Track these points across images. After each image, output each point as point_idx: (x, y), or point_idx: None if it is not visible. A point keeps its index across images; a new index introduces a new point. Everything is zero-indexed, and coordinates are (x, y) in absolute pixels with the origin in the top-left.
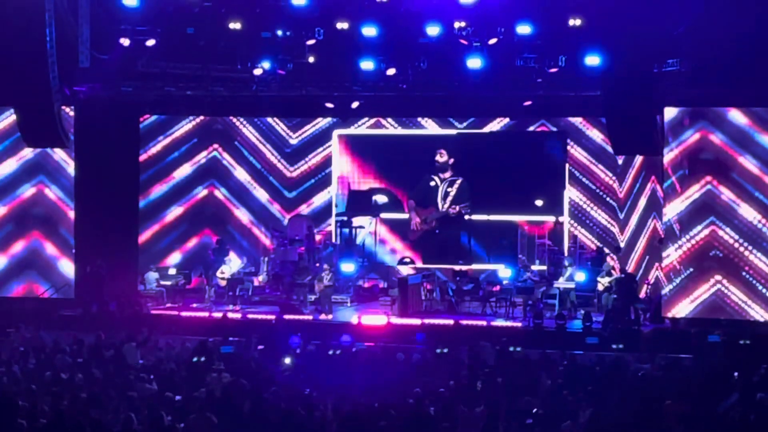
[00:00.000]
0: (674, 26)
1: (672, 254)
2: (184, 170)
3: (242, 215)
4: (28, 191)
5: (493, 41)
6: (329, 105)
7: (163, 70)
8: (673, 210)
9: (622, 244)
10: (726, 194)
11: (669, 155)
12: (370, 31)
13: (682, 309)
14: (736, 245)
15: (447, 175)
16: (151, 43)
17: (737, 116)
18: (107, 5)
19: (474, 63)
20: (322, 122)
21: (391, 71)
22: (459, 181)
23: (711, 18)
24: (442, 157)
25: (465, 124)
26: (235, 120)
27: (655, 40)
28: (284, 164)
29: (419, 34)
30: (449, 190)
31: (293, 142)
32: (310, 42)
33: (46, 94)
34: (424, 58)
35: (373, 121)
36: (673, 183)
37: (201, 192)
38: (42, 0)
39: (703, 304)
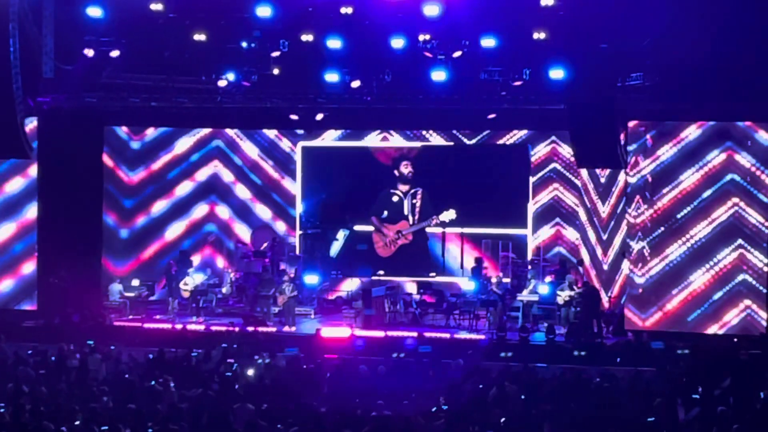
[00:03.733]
0: (638, 40)
1: (699, 278)
2: (185, 187)
3: (245, 232)
4: None
5: (457, 54)
6: (294, 117)
7: (127, 81)
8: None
9: (605, 266)
10: (754, 216)
11: (692, 177)
12: (334, 43)
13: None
14: (766, 268)
15: (407, 188)
16: (115, 54)
17: (765, 136)
18: (72, 16)
19: (438, 76)
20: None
21: (355, 83)
22: (420, 192)
23: (674, 32)
24: (406, 168)
25: (478, 138)
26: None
27: (618, 54)
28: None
29: (384, 46)
30: (414, 202)
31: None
32: (275, 54)
33: (9, 104)
34: (388, 71)
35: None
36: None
37: (202, 208)
38: (6, 10)
39: (733, 329)
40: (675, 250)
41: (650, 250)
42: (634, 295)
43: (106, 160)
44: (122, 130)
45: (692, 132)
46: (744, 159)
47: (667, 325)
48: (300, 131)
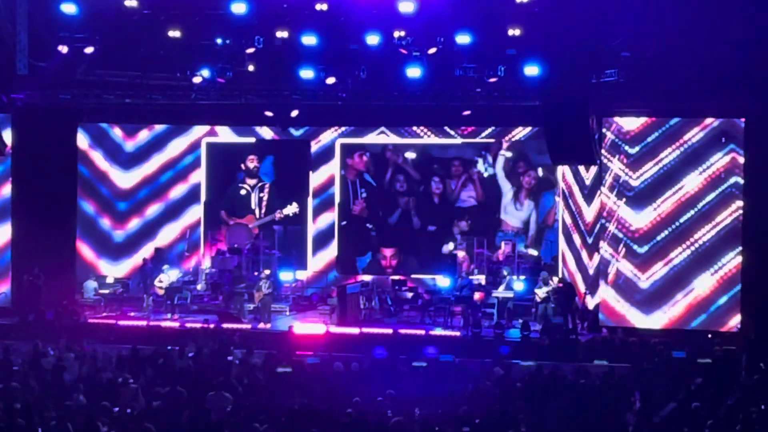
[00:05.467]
0: (612, 37)
1: (706, 281)
2: (178, 190)
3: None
4: None
5: (432, 51)
6: (269, 113)
7: (101, 77)
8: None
9: (590, 270)
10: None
11: (696, 179)
12: (309, 39)
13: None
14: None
15: (254, 181)
16: (89, 50)
17: None
18: (46, 12)
19: (413, 72)
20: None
21: (330, 80)
22: (268, 186)
23: (649, 29)
24: (252, 162)
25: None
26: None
27: (593, 50)
28: None
29: (359, 43)
30: (261, 195)
31: None
32: (250, 50)
33: None
34: (363, 67)
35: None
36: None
37: (196, 211)
38: None
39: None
40: (679, 254)
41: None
42: (638, 300)
43: (100, 162)
44: (115, 132)
45: (695, 134)
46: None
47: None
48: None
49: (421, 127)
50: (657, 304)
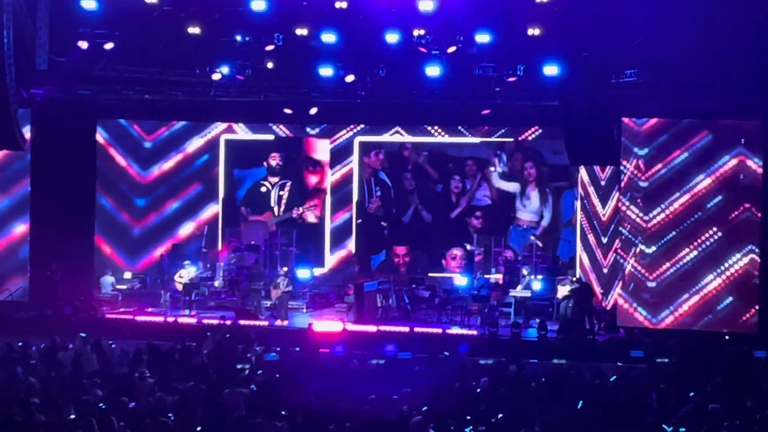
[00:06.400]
0: (632, 37)
1: (712, 282)
2: (196, 187)
3: None
4: None
5: (452, 49)
6: (287, 111)
7: (121, 73)
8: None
9: (605, 270)
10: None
11: (704, 182)
12: (329, 37)
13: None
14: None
15: (276, 179)
16: (109, 46)
17: None
18: (66, 8)
19: (433, 71)
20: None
21: (349, 78)
22: (289, 184)
23: (669, 29)
24: (274, 160)
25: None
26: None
27: (613, 50)
28: None
29: (378, 41)
30: (281, 193)
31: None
32: (269, 48)
33: (2, 96)
34: (382, 66)
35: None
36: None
37: (214, 209)
38: (0, 2)
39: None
40: (687, 254)
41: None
42: (646, 299)
43: (119, 159)
44: (134, 129)
45: (703, 136)
46: (756, 164)
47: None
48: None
49: (434, 126)
50: (664, 304)
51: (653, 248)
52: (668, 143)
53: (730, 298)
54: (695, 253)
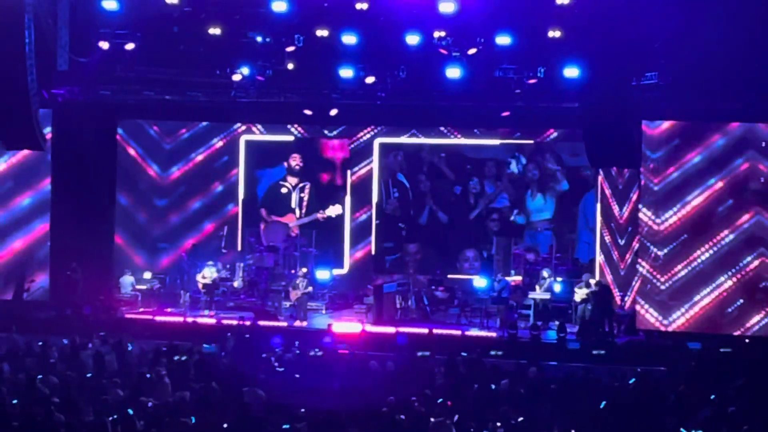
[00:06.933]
0: (653, 39)
1: (725, 283)
2: (216, 187)
3: None
4: None
5: (472, 51)
6: (308, 112)
7: (141, 74)
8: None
9: (622, 271)
10: None
11: (715, 185)
12: (349, 38)
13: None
14: None
15: (296, 180)
16: (130, 47)
17: None
18: (87, 8)
19: (453, 73)
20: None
21: (370, 79)
22: (309, 186)
23: (689, 31)
24: (294, 161)
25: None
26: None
27: (633, 52)
28: None
29: (399, 42)
30: (302, 195)
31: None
32: (290, 49)
33: (24, 96)
34: (403, 67)
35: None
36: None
37: (233, 208)
38: (22, 2)
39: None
40: (699, 256)
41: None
42: (657, 300)
43: (138, 159)
44: (154, 130)
45: (715, 140)
46: (767, 167)
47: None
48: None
49: (450, 128)
50: (676, 306)
51: (665, 250)
52: (681, 147)
53: (741, 301)
54: (707, 255)
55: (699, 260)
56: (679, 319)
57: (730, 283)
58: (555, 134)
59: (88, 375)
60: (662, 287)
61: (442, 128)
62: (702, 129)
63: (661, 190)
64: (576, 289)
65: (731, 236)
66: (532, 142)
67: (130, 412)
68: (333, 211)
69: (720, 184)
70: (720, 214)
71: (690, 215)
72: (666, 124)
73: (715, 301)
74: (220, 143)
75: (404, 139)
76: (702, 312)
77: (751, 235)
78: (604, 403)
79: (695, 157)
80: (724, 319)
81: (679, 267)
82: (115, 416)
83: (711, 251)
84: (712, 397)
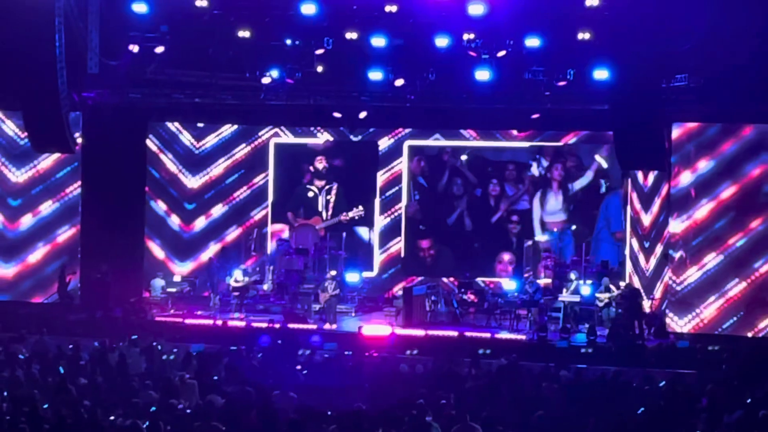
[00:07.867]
0: (683, 41)
1: (735, 288)
2: (242, 192)
3: None
4: None
5: (501, 54)
6: (337, 114)
7: (171, 77)
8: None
9: (648, 274)
10: None
11: (728, 190)
12: (379, 41)
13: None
14: None
15: (322, 183)
16: (160, 50)
17: None
18: (117, 12)
19: (482, 75)
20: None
21: (399, 82)
22: (335, 188)
23: (719, 33)
24: (320, 163)
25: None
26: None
27: (663, 55)
28: None
29: (428, 45)
30: (329, 198)
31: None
32: (319, 51)
33: (54, 99)
34: (432, 70)
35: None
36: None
37: (257, 214)
38: (52, 6)
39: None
40: (712, 260)
41: (689, 258)
42: (672, 302)
43: (170, 165)
44: (185, 136)
45: (729, 145)
46: None
47: (702, 332)
48: None
49: (468, 130)
50: (689, 308)
51: (679, 253)
52: (695, 151)
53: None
54: (720, 258)
55: (712, 264)
56: (693, 320)
57: (742, 285)
58: (575, 138)
59: (118, 378)
60: (676, 289)
61: (462, 131)
62: (716, 134)
63: (675, 195)
64: (597, 295)
65: (744, 240)
66: (554, 144)
67: (160, 415)
68: (355, 212)
69: (733, 189)
70: (733, 218)
71: (704, 219)
72: (680, 130)
73: (727, 303)
74: (248, 149)
75: (431, 142)
76: (716, 314)
77: (764, 240)
78: (642, 409)
79: (709, 162)
80: (736, 322)
81: (694, 269)
82: (148, 422)
83: (724, 254)
84: (748, 401)
